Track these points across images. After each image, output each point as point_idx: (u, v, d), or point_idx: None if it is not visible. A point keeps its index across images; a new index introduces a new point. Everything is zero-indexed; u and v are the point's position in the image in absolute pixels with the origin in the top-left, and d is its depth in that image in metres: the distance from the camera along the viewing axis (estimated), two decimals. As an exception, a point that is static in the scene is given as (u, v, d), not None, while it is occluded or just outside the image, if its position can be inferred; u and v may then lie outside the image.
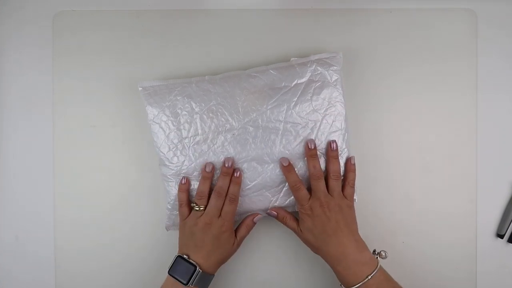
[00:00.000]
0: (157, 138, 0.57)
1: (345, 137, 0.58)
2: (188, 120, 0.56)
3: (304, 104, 0.56)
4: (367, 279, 0.51)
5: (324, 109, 0.57)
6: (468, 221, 0.63)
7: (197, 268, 0.53)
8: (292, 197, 0.58)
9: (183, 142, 0.56)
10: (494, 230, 0.64)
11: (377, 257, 0.54)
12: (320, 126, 0.57)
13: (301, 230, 0.56)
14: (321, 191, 0.55)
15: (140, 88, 0.58)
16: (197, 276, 0.53)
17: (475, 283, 0.63)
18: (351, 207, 0.56)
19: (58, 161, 0.62)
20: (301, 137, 0.56)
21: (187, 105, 0.56)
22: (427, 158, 0.63)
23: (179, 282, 0.53)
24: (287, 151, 0.56)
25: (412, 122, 0.63)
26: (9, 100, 0.62)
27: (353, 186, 0.57)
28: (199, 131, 0.56)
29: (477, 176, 0.63)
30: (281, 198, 0.59)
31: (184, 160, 0.56)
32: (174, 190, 0.57)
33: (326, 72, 0.57)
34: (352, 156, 0.58)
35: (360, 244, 0.55)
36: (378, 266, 0.53)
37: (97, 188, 0.62)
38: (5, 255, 0.62)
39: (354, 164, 0.57)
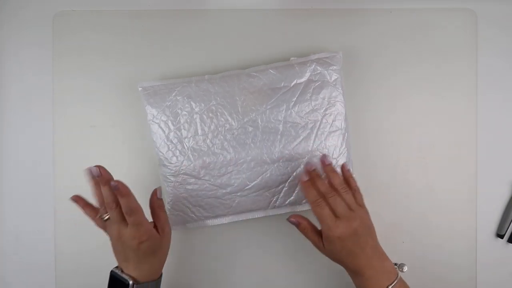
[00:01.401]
0: (157, 138, 0.57)
1: (345, 137, 0.58)
2: (188, 120, 0.56)
3: (304, 104, 0.56)
4: None
5: (324, 108, 0.57)
6: (468, 221, 0.63)
7: (131, 282, 0.49)
8: (292, 197, 0.58)
9: (182, 142, 0.56)
10: (494, 230, 0.64)
11: (396, 268, 0.53)
12: (319, 125, 0.57)
13: (324, 247, 0.53)
14: (341, 207, 0.51)
15: (140, 88, 0.58)
16: None
17: (475, 283, 0.63)
18: (367, 213, 0.54)
19: (58, 161, 0.62)
20: (301, 137, 0.56)
21: (186, 105, 0.56)
22: (427, 158, 0.63)
23: None
24: (286, 151, 0.56)
25: (412, 122, 0.63)
26: (9, 100, 0.62)
27: (359, 191, 0.55)
28: (199, 131, 0.56)
29: (477, 176, 0.63)
30: (281, 198, 0.59)
31: (184, 160, 0.56)
32: (173, 190, 0.57)
33: (326, 72, 0.57)
34: (344, 163, 0.56)
35: (382, 253, 0.53)
36: (398, 277, 0.52)
37: (97, 188, 0.62)
38: (5, 255, 0.62)
39: (349, 170, 0.56)
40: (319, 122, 0.57)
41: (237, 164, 0.57)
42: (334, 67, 0.57)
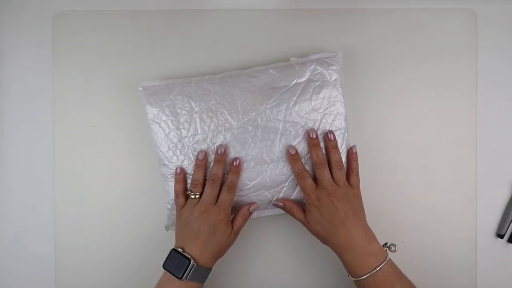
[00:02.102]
0: (157, 138, 0.57)
1: (345, 137, 0.58)
2: (188, 120, 0.56)
3: (304, 104, 0.56)
4: (375, 270, 0.51)
5: (324, 108, 0.57)
6: (468, 221, 0.63)
7: (191, 261, 0.51)
8: (292, 197, 0.58)
9: (182, 142, 0.56)
10: (494, 230, 0.64)
11: (386, 250, 0.54)
12: (319, 125, 0.57)
13: (308, 222, 0.55)
14: (327, 179, 0.54)
15: (140, 88, 0.58)
16: (192, 270, 0.51)
17: (475, 283, 0.63)
18: (358, 196, 0.56)
19: (58, 161, 0.62)
20: (301, 137, 0.56)
21: (186, 104, 0.57)
22: (427, 158, 0.63)
23: (173, 276, 0.51)
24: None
25: (412, 122, 0.63)
26: (9, 100, 0.62)
27: (357, 175, 0.57)
28: (199, 131, 0.56)
29: (477, 176, 0.63)
30: (281, 198, 0.58)
31: (184, 160, 0.56)
32: (173, 189, 0.57)
33: (326, 72, 0.57)
34: (353, 145, 0.58)
35: (369, 234, 0.54)
36: (387, 258, 0.52)
37: (97, 188, 0.62)
38: (5, 254, 0.62)
39: (356, 153, 0.57)
40: (318, 122, 0.57)
41: (237, 164, 0.57)
42: (334, 67, 0.57)
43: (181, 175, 0.56)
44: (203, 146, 0.56)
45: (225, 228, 0.54)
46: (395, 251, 0.54)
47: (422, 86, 0.63)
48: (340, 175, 0.55)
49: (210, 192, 0.54)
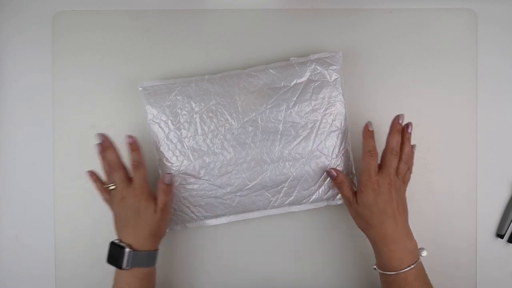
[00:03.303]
0: (157, 138, 0.57)
1: (345, 137, 0.58)
2: (188, 120, 0.56)
3: (304, 104, 0.56)
4: (409, 267, 0.51)
5: (324, 108, 0.57)
6: (468, 221, 0.63)
7: (126, 249, 0.51)
8: (292, 197, 0.58)
9: (182, 142, 0.56)
10: (494, 230, 0.64)
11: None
12: (319, 125, 0.57)
13: (357, 202, 0.54)
14: (393, 168, 0.54)
15: (140, 88, 0.58)
16: (130, 256, 0.51)
17: (475, 283, 0.63)
18: (405, 193, 0.56)
19: (58, 161, 0.62)
20: (301, 137, 0.56)
21: (186, 104, 0.57)
22: (427, 158, 0.63)
23: (118, 268, 0.52)
24: (286, 151, 0.56)
25: (412, 122, 0.63)
26: (9, 100, 0.62)
27: (411, 172, 0.57)
28: (199, 131, 0.56)
29: (477, 176, 0.63)
30: (281, 198, 0.59)
31: (184, 160, 0.56)
32: (174, 190, 0.57)
33: (326, 72, 0.57)
34: (414, 145, 0.57)
35: (410, 232, 0.54)
36: (420, 259, 0.53)
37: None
38: (5, 253, 0.62)
39: (413, 152, 0.57)
40: (319, 122, 0.57)
41: (237, 164, 0.57)
42: (334, 67, 0.57)
43: (93, 176, 0.56)
44: (203, 147, 0.56)
45: (146, 206, 0.53)
46: (422, 256, 0.54)
47: (422, 86, 0.63)
48: (403, 169, 0.55)
49: (117, 178, 0.54)
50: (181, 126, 0.56)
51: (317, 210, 0.61)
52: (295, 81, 0.57)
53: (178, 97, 0.57)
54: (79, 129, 0.62)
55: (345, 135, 0.58)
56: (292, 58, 0.59)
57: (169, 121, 0.57)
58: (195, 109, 0.56)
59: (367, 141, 0.55)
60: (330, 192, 0.59)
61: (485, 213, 0.63)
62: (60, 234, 0.62)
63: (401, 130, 0.55)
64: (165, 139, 0.57)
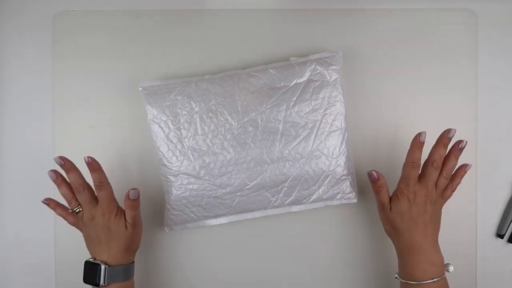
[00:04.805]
0: (157, 138, 0.57)
1: (345, 137, 0.58)
2: (188, 120, 0.56)
3: (304, 104, 0.56)
4: (432, 280, 0.51)
5: (324, 108, 0.57)
6: (468, 221, 0.63)
7: (100, 265, 0.51)
8: (292, 197, 0.58)
9: (182, 142, 0.56)
10: (494, 230, 0.64)
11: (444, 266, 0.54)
12: (319, 125, 0.57)
13: (390, 209, 0.54)
14: (432, 181, 0.53)
15: (140, 88, 0.58)
16: (106, 273, 0.52)
17: (475, 283, 0.63)
18: (441, 208, 0.56)
19: (58, 161, 0.62)
20: (301, 137, 0.56)
21: (186, 104, 0.57)
22: (427, 158, 0.63)
23: (95, 287, 0.52)
24: (286, 151, 0.56)
25: (412, 122, 0.63)
26: (9, 101, 0.62)
27: (454, 191, 0.56)
28: (199, 131, 0.56)
29: (477, 176, 0.63)
30: (281, 198, 0.59)
31: (184, 160, 0.56)
32: (174, 190, 0.57)
33: (326, 72, 0.57)
34: (469, 164, 0.56)
35: (437, 246, 0.54)
36: (444, 275, 0.53)
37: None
38: (6, 253, 0.62)
39: (466, 172, 0.56)
40: (319, 122, 0.57)
41: (237, 164, 0.57)
42: (334, 67, 0.57)
43: (52, 203, 0.56)
44: (203, 147, 0.56)
45: (117, 223, 0.54)
46: (449, 271, 0.54)
47: (422, 86, 0.63)
48: (443, 183, 0.54)
49: (83, 199, 0.54)
50: (181, 126, 0.56)
51: (317, 210, 0.61)
52: (295, 81, 0.57)
53: (178, 97, 0.57)
54: (79, 129, 0.62)
55: (345, 135, 0.58)
56: (292, 58, 0.59)
57: (169, 121, 0.57)
58: (195, 109, 0.56)
59: (414, 151, 0.53)
60: (330, 192, 0.59)
61: (485, 213, 0.63)
62: (60, 233, 0.62)
63: (447, 144, 0.53)
64: (165, 139, 0.57)
